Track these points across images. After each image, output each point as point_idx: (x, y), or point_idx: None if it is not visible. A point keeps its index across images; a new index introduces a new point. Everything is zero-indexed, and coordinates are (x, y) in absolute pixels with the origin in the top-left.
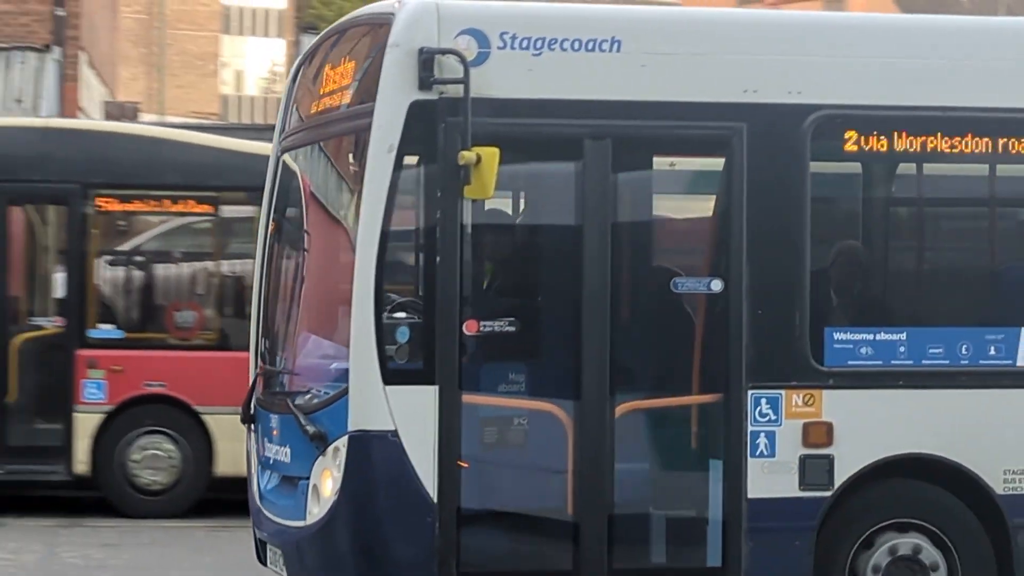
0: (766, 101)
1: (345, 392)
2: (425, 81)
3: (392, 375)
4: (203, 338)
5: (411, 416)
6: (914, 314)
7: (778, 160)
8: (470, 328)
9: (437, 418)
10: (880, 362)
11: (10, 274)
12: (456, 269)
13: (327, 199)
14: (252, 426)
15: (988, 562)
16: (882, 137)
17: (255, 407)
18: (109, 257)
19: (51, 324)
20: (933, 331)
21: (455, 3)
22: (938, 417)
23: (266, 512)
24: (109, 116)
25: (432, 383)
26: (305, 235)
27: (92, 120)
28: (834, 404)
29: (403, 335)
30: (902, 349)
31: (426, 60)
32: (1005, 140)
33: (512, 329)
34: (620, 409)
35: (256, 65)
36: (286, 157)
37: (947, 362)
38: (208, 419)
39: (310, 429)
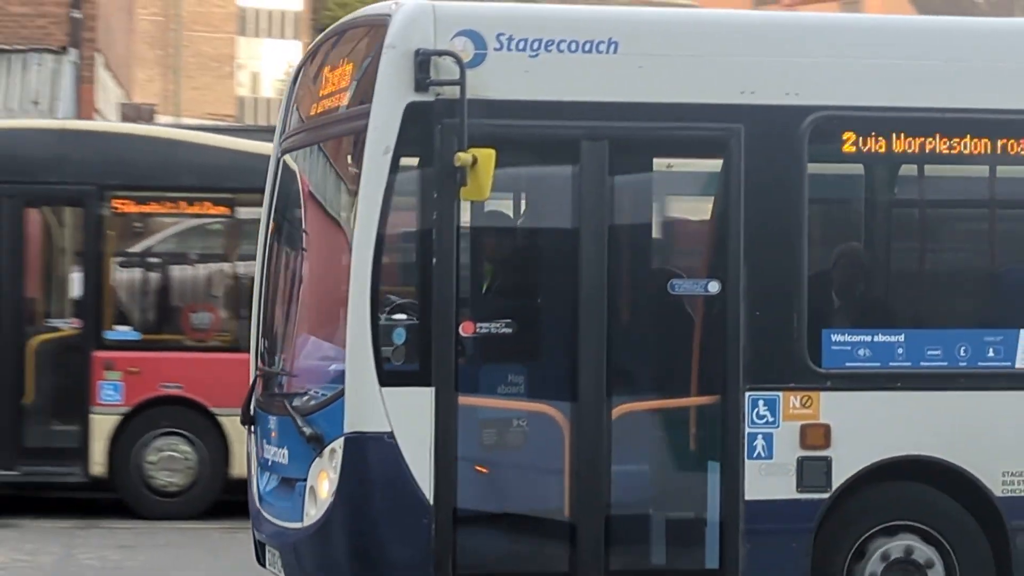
0: (764, 102)
1: (341, 394)
2: (421, 83)
3: (388, 377)
4: (219, 340)
5: (407, 418)
6: (912, 316)
7: (776, 161)
8: (466, 330)
9: (433, 420)
10: (878, 364)
11: (27, 276)
12: (452, 271)
13: (325, 200)
14: (252, 428)
15: (986, 564)
16: (880, 138)
17: (255, 408)
18: (125, 259)
19: (68, 326)
20: (931, 333)
21: (451, 4)
22: (937, 419)
23: (265, 514)
24: (125, 118)
25: (428, 385)
26: (303, 236)
27: (108, 122)
28: (832, 406)
29: (399, 337)
30: (900, 351)
31: (422, 62)
32: (1004, 141)
33: (509, 331)
34: (617, 411)
35: (272, 67)
36: (286, 158)
37: (945, 364)
38: (224, 421)
39: (307, 431)
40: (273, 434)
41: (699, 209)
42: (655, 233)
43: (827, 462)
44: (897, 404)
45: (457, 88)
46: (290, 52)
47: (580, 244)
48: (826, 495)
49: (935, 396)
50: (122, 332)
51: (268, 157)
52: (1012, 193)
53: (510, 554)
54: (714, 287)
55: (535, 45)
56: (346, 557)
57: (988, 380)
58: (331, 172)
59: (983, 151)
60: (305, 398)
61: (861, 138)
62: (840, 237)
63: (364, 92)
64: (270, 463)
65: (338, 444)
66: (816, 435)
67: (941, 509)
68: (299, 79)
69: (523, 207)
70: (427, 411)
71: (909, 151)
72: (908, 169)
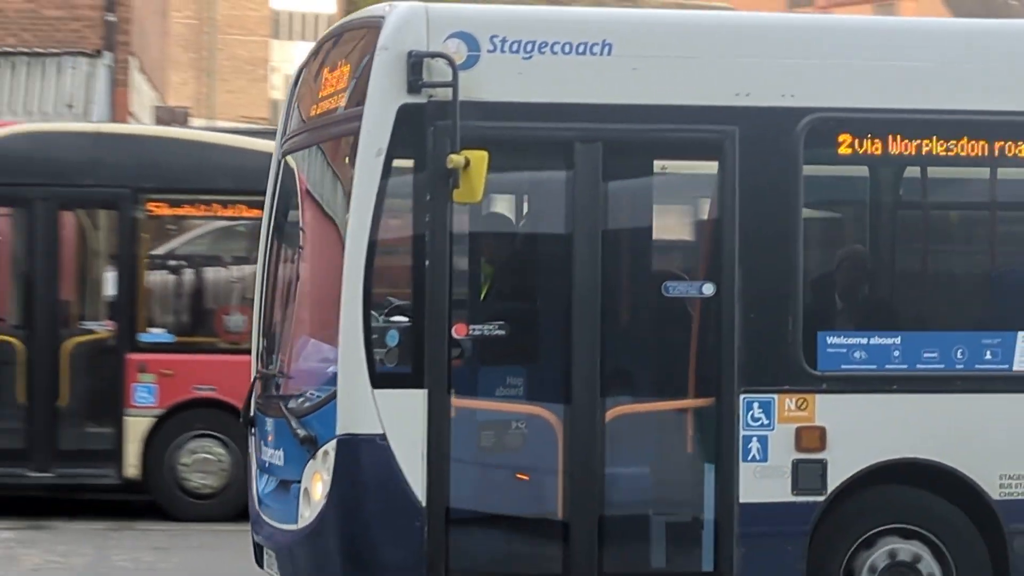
0: (759, 104)
1: (334, 395)
2: (414, 85)
3: (381, 379)
4: None
5: (400, 420)
6: (909, 318)
7: (771, 164)
8: (459, 332)
9: (426, 422)
10: (874, 366)
11: (61, 278)
12: (445, 273)
13: (322, 202)
14: (251, 429)
15: (984, 568)
16: (876, 141)
17: (254, 410)
18: (159, 261)
19: (102, 328)
20: (928, 335)
21: (445, 6)
22: (933, 422)
23: (263, 516)
24: (159, 121)
25: (421, 387)
26: (301, 237)
27: (143, 125)
28: (827, 408)
29: (392, 339)
30: (896, 353)
31: (415, 64)
32: (1002, 143)
33: (502, 333)
34: (611, 413)
35: None
36: (287, 159)
37: (942, 366)
38: None
39: (300, 432)
40: (270, 436)
41: (694, 211)
42: (649, 235)
43: (823, 465)
44: (893, 407)
45: (450, 90)
46: None
47: (574, 246)
48: (821, 498)
49: (931, 399)
50: (156, 334)
51: None
52: (1010, 195)
53: (503, 556)
54: (709, 289)
55: (528, 47)
56: (339, 559)
57: (985, 383)
58: (328, 173)
59: (980, 153)
60: (300, 400)
61: (857, 140)
62: (836, 239)
63: (359, 94)
64: (268, 465)
65: (330, 446)
66: (811, 438)
67: (938, 512)
68: (300, 80)
69: (516, 209)
70: (420, 413)
71: (905, 153)
72: (904, 171)
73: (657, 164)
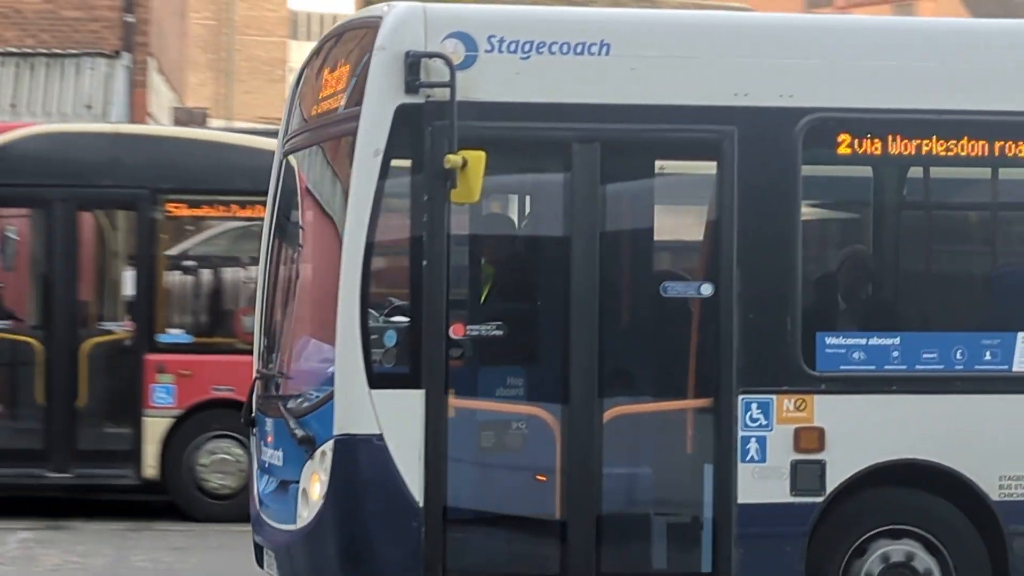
0: (757, 104)
1: (332, 396)
2: (411, 85)
3: (378, 379)
4: None
5: (397, 420)
6: (908, 319)
7: (770, 164)
8: (457, 332)
9: (423, 422)
10: (873, 367)
11: (80, 279)
12: (443, 273)
13: (322, 202)
14: (252, 429)
15: (983, 569)
16: (875, 141)
17: (255, 410)
18: (178, 262)
19: (120, 328)
20: (927, 336)
21: (442, 6)
22: (932, 422)
23: (263, 516)
24: (178, 122)
25: (418, 387)
26: (301, 236)
27: (161, 126)
28: (826, 409)
29: (390, 339)
30: (895, 354)
31: (412, 64)
32: (1002, 144)
33: (500, 333)
34: (609, 413)
35: None
36: (289, 158)
37: (941, 367)
38: None
39: (298, 433)
40: (270, 436)
41: (692, 211)
42: (648, 235)
43: (821, 466)
44: (892, 407)
45: (447, 90)
46: None
47: (572, 246)
48: (820, 499)
49: (931, 399)
50: (174, 335)
51: None
52: (1010, 196)
53: (501, 556)
54: (707, 289)
55: (526, 47)
56: (337, 559)
57: (985, 383)
58: (327, 173)
59: (980, 153)
60: (298, 400)
61: (856, 140)
62: (835, 240)
63: (358, 94)
64: (267, 465)
65: (328, 446)
66: (810, 438)
67: (937, 513)
68: (302, 79)
69: (514, 209)
70: (417, 413)
71: (905, 153)
72: (903, 172)
73: (656, 164)
